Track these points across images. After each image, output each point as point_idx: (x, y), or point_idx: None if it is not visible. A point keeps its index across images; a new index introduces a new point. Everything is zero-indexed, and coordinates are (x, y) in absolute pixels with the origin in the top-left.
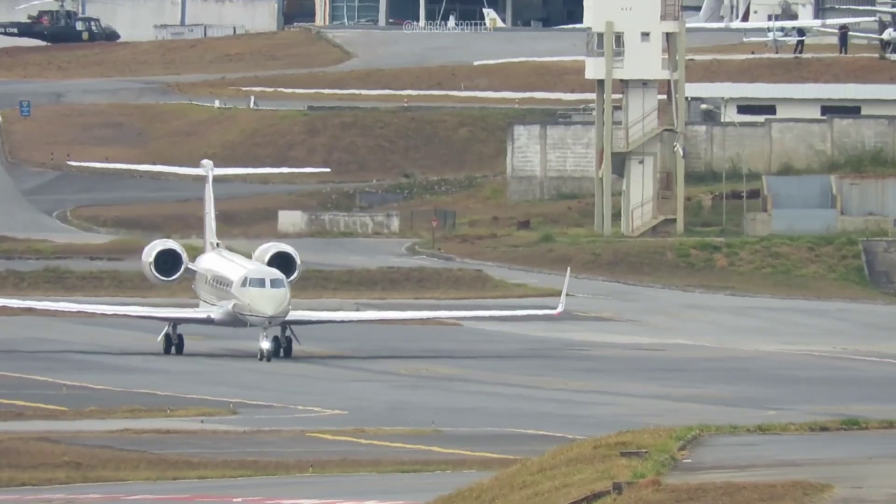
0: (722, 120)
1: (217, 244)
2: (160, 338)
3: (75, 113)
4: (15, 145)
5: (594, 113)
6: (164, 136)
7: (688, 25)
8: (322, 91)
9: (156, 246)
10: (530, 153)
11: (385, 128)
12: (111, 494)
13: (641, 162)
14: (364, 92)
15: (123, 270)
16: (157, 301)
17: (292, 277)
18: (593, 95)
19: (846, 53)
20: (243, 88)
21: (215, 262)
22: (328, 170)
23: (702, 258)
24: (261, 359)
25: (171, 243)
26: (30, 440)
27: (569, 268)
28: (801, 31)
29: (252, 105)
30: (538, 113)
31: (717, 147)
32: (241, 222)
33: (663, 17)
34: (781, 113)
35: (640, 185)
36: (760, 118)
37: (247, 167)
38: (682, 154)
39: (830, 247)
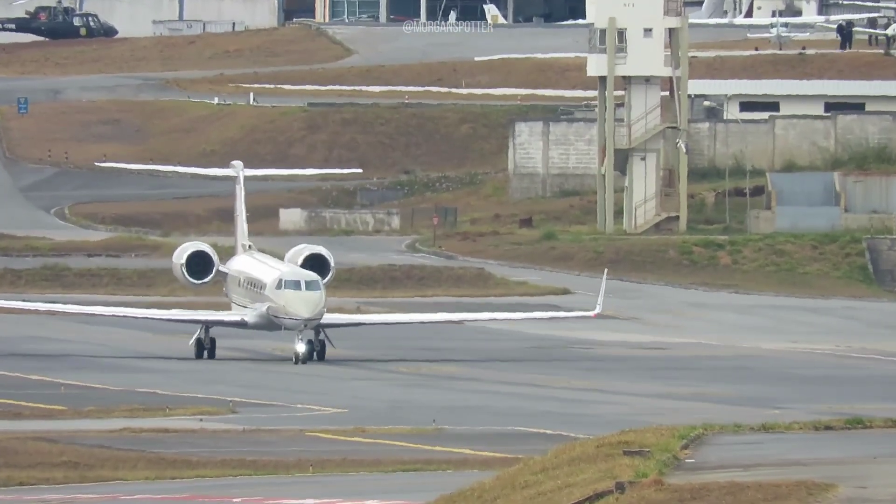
0: (725, 117)
1: (249, 246)
2: (192, 342)
3: (73, 110)
4: (12, 142)
5: (596, 110)
6: (162, 133)
7: (690, 21)
8: (322, 88)
9: (187, 248)
10: (532, 150)
11: (386, 124)
12: (109, 494)
13: (644, 159)
14: (364, 88)
15: (122, 268)
16: (157, 300)
17: (326, 279)
18: (595, 92)
19: (850, 49)
20: (243, 85)
21: (248, 264)
22: (360, 171)
23: (705, 256)
24: (296, 362)
25: (202, 245)
26: (28, 440)
27: (606, 269)
28: (849, 24)
29: (251, 102)
30: (540, 110)
31: (720, 144)
32: None
33: (666, 13)
34: (785, 109)
35: (643, 182)
36: (764, 115)
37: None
38: (684, 151)
39: (834, 244)
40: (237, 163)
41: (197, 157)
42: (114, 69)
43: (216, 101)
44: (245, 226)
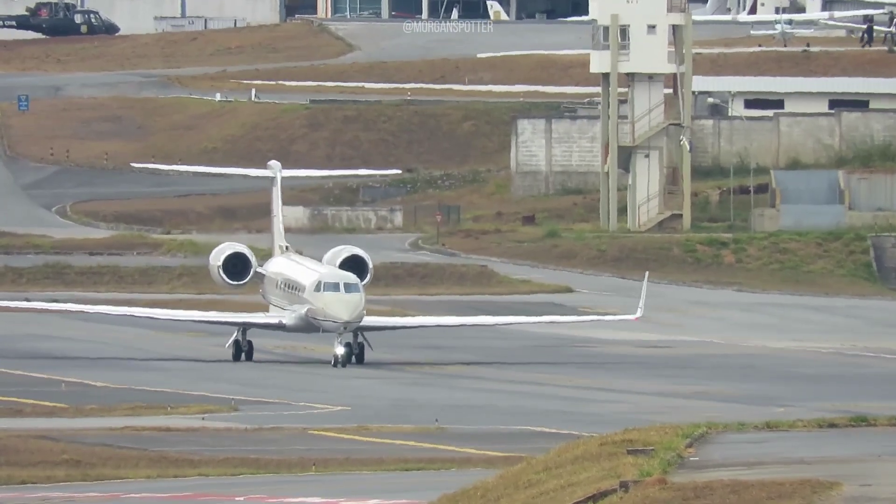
0: (729, 114)
1: (286, 247)
2: (229, 344)
3: (74, 107)
4: (13, 139)
5: (599, 107)
6: (163, 130)
7: (694, 18)
8: (324, 84)
9: (224, 249)
10: (535, 147)
11: (388, 121)
12: (111, 493)
13: (647, 156)
14: (367, 85)
15: (123, 266)
16: (159, 298)
17: (365, 281)
18: (599, 89)
19: (871, 46)
20: (244, 81)
21: (286, 265)
22: (398, 171)
23: (709, 254)
24: (335, 365)
25: (239, 246)
26: (29, 438)
27: (647, 272)
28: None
29: (253, 98)
30: (543, 107)
31: (724, 141)
32: (242, 217)
33: (669, 10)
34: (789, 107)
35: (646, 179)
36: (768, 112)
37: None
38: (688, 148)
39: (839, 242)
40: (275, 163)
41: (198, 155)
42: (115, 66)
43: (218, 97)
44: (282, 227)
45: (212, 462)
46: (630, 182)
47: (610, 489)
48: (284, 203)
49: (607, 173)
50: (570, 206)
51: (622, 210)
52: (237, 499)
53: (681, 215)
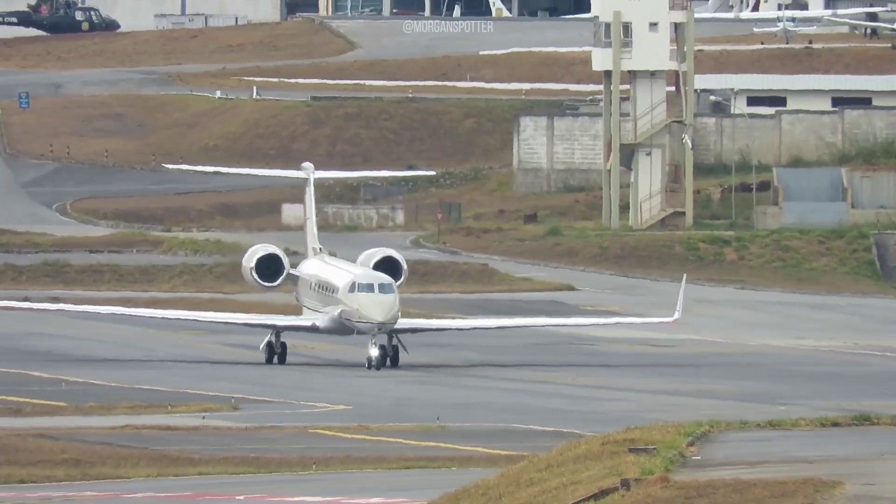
0: (731, 111)
1: (320, 249)
2: (262, 346)
3: (75, 104)
4: (14, 137)
5: (602, 104)
6: (165, 128)
7: (696, 15)
8: (325, 82)
9: (257, 251)
10: (537, 145)
11: (389, 119)
12: (111, 492)
13: (650, 154)
14: (368, 82)
15: (124, 264)
16: (159, 296)
17: (399, 282)
18: (601, 86)
19: None
20: (245, 79)
21: (319, 267)
22: (433, 172)
23: (711, 252)
24: (369, 367)
25: (272, 248)
26: (29, 437)
27: (685, 275)
28: None
29: (254, 96)
30: (545, 104)
31: (726, 139)
32: (244, 215)
33: (671, 7)
34: (792, 104)
35: (649, 177)
36: (770, 110)
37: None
38: (690, 146)
39: (841, 240)
40: (308, 164)
41: (199, 152)
42: (116, 63)
43: (219, 95)
44: (315, 229)
45: (212, 461)
46: (632, 179)
47: (611, 488)
48: (286, 201)
49: (609, 171)
50: (572, 204)
51: (624, 208)
52: (238, 498)
53: (683, 213)
